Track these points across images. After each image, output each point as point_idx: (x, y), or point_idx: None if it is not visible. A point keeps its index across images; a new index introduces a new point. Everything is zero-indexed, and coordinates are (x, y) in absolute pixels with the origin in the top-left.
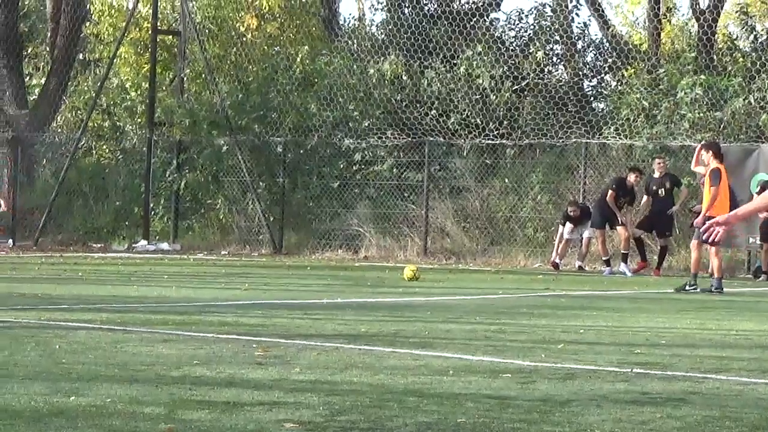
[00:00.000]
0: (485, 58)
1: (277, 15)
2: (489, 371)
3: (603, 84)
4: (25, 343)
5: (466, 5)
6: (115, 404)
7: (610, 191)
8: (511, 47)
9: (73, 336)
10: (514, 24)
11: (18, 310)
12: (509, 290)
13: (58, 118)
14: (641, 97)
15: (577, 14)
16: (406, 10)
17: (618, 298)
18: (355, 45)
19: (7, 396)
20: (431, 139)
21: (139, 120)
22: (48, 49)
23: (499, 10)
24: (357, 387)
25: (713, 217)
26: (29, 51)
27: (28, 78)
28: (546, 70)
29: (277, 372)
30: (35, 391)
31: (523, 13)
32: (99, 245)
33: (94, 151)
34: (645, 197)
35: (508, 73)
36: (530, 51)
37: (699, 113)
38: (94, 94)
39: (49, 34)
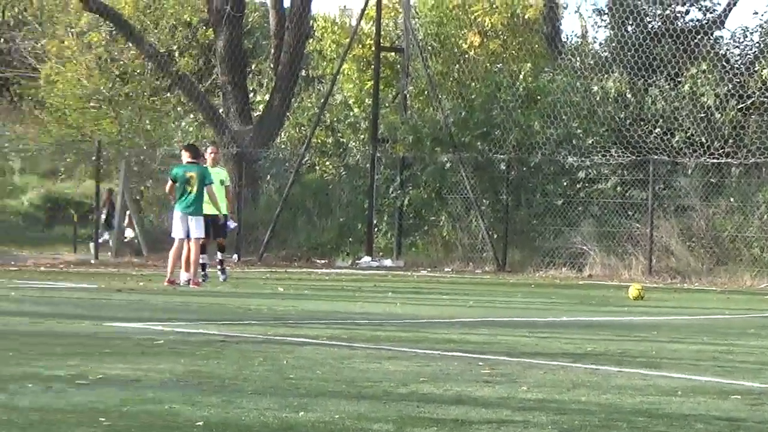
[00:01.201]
0: (710, 76)
1: (500, 32)
2: (718, 392)
3: None
4: (253, 358)
5: (690, 23)
6: (343, 420)
7: None
8: (736, 65)
9: (300, 351)
10: (738, 42)
11: (245, 325)
12: (736, 310)
13: (282, 134)
14: None
15: None
16: (629, 28)
17: None
18: (578, 62)
19: (236, 411)
20: (656, 157)
21: (362, 136)
22: (272, 65)
23: (723, 27)
24: (585, 406)
25: None
26: (253, 67)
27: (252, 94)
28: None
29: (504, 390)
30: (264, 406)
31: (748, 30)
32: (323, 261)
33: (317, 167)
34: None
35: (733, 91)
36: (756, 69)
37: None
38: (317, 111)
39: (272, 51)
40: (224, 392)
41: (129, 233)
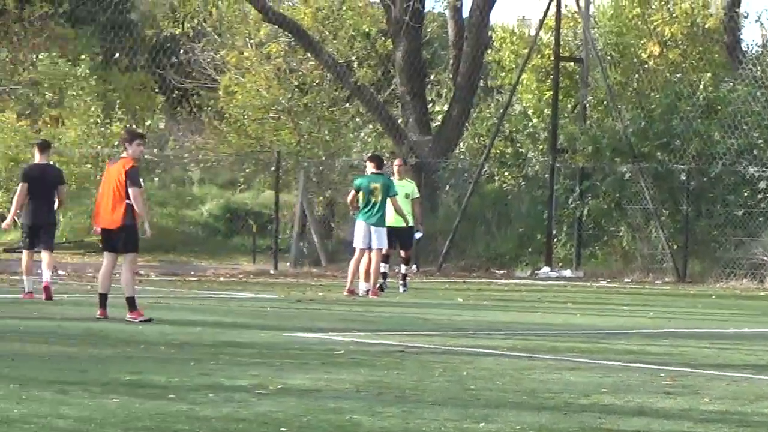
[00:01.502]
0: None
1: (680, 42)
2: None
3: None
4: (433, 368)
5: None
6: (524, 431)
7: None
8: None
9: (480, 362)
10: None
11: (425, 336)
12: None
13: (461, 144)
14: None
15: None
16: None
17: None
18: (759, 72)
19: (417, 421)
20: None
21: (541, 147)
22: (450, 75)
23: None
24: None
25: None
26: (432, 78)
27: (431, 104)
28: None
29: (685, 402)
30: (445, 417)
31: None
32: (502, 271)
33: (496, 178)
34: None
35: None
36: None
37: None
38: (496, 121)
39: (451, 61)
40: (404, 403)
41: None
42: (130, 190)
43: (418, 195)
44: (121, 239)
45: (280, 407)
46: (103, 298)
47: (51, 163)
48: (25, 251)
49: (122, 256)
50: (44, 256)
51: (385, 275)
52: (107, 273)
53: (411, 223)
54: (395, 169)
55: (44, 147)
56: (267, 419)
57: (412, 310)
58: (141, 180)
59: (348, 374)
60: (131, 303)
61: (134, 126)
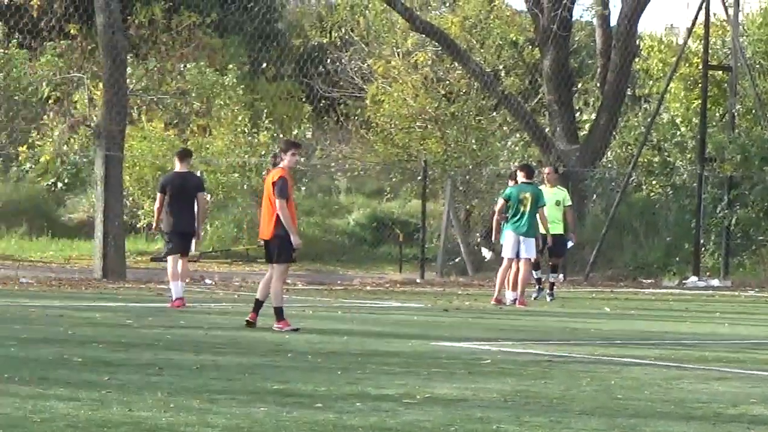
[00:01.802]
0: None
1: None
2: None
3: None
4: (580, 378)
5: None
6: None
7: None
8: None
9: (628, 372)
10: None
11: (571, 345)
12: None
13: (608, 153)
14: None
15: None
16: None
17: None
18: None
19: (564, 431)
20: None
21: (689, 156)
22: (598, 84)
23: None
24: None
25: None
26: (579, 86)
27: (578, 113)
28: None
29: None
30: (592, 427)
31: None
32: (649, 281)
33: (644, 187)
34: None
35: None
36: None
37: None
38: (644, 130)
39: (599, 70)
40: (552, 412)
41: (486, 253)
42: (276, 201)
43: (570, 203)
44: (274, 249)
45: (427, 416)
46: (258, 303)
47: (191, 171)
48: (170, 258)
49: (273, 266)
50: (183, 263)
51: (539, 280)
52: (267, 280)
53: (560, 231)
54: (545, 177)
55: (184, 155)
56: (414, 428)
57: (559, 320)
58: (288, 191)
59: (495, 384)
60: (279, 313)
61: (281, 135)
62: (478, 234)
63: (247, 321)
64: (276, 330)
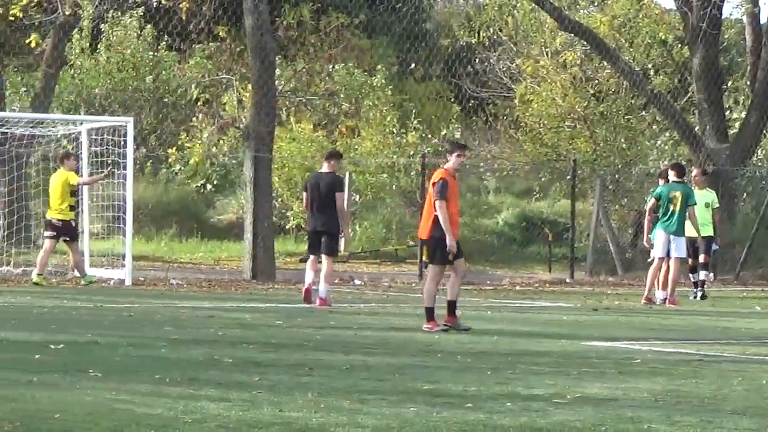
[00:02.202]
0: None
1: None
2: None
3: None
4: (731, 377)
5: None
6: None
7: None
8: None
9: None
10: None
11: (722, 345)
12: None
13: (759, 151)
14: None
15: None
16: None
17: None
18: None
19: (716, 430)
20: None
21: None
22: (748, 82)
23: None
24: None
25: None
26: (729, 84)
27: (728, 112)
28: None
29: None
30: (744, 426)
31: None
32: None
33: None
34: None
35: None
36: None
37: None
38: None
39: (749, 68)
40: (702, 412)
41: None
42: (435, 202)
43: (717, 205)
44: (430, 250)
45: (577, 416)
46: (450, 304)
47: (334, 171)
48: (310, 259)
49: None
50: (324, 263)
51: (696, 283)
52: (451, 280)
53: (709, 234)
54: (693, 179)
55: (328, 156)
56: (564, 428)
57: (709, 319)
58: (448, 193)
59: (645, 383)
60: (429, 313)
61: (430, 136)
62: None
63: (445, 325)
64: (425, 330)
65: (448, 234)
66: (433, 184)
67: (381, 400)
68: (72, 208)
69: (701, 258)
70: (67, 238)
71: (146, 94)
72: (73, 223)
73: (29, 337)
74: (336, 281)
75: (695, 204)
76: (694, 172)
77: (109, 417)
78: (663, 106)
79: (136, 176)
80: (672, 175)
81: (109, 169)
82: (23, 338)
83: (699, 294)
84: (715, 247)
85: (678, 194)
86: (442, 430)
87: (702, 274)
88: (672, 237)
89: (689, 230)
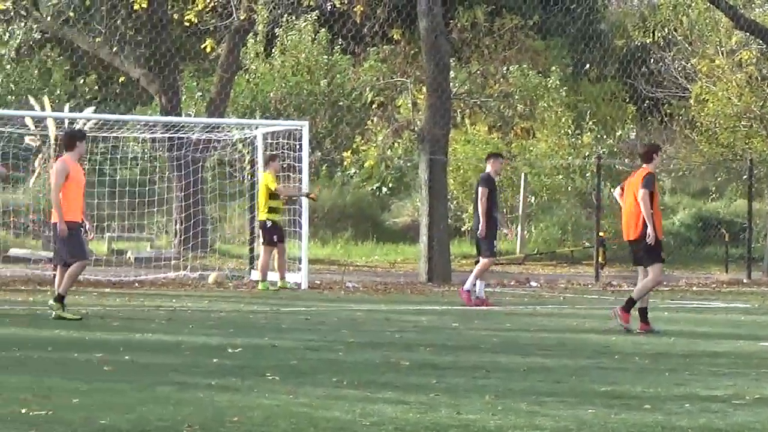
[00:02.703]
0: None
1: None
2: None
3: None
4: None
5: None
6: None
7: None
8: None
9: None
10: None
11: None
12: None
13: None
14: None
15: None
16: None
17: None
18: None
19: None
20: None
21: None
22: None
23: None
24: None
25: None
26: None
27: None
28: None
29: None
30: None
31: None
32: None
33: None
34: None
35: None
36: None
37: None
38: None
39: None
40: None
41: None
42: (639, 192)
43: None
44: (641, 251)
45: (757, 418)
46: (641, 312)
47: (488, 172)
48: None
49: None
50: (480, 263)
51: None
52: (641, 283)
53: None
54: None
55: (487, 157)
56: (744, 430)
57: None
58: (653, 187)
59: None
60: (643, 314)
61: (605, 136)
62: None
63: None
64: (638, 332)
65: (649, 223)
66: (643, 178)
67: (559, 402)
68: (272, 210)
69: None
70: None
71: (321, 97)
72: (268, 224)
73: (207, 341)
74: (512, 283)
75: None
76: None
77: (287, 420)
78: None
79: (312, 180)
80: None
81: (310, 194)
82: (201, 342)
83: None
84: None
85: None
86: (621, 431)
87: None
88: None
89: None
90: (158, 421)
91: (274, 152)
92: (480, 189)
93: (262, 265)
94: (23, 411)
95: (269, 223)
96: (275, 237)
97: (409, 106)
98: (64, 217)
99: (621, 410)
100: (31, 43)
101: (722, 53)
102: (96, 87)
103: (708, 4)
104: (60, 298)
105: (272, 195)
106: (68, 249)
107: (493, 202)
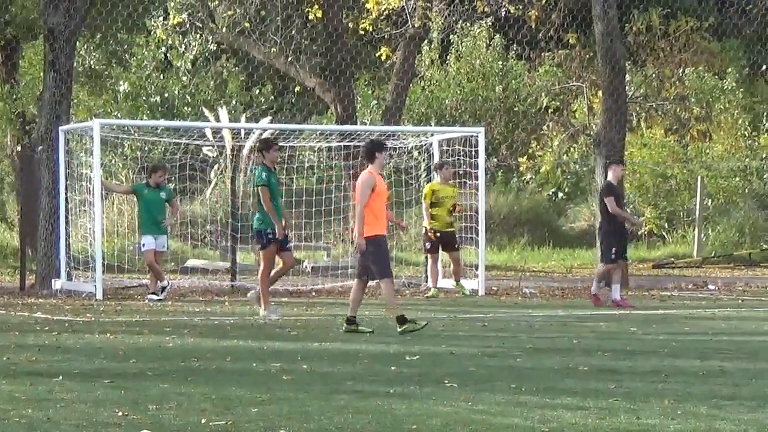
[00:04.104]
0: None
1: None
2: None
3: None
4: None
5: None
6: None
7: None
8: None
9: None
10: None
11: None
12: None
13: None
14: None
15: None
16: None
17: None
18: None
19: None
20: None
21: None
22: None
23: None
24: None
25: None
26: None
27: None
28: None
29: None
30: None
31: None
32: None
33: None
34: None
35: None
36: None
37: None
38: None
39: None
40: None
41: None
42: None
43: None
44: None
45: None
46: None
47: (609, 179)
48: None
49: None
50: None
51: None
52: None
53: None
54: None
55: (607, 165)
56: None
57: None
58: None
59: None
60: None
61: None
62: None
63: None
64: None
65: None
66: None
67: (739, 405)
68: (434, 217)
69: None
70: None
71: (496, 103)
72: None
73: (385, 349)
74: (690, 287)
75: None
76: None
77: (467, 427)
78: None
79: (488, 186)
80: None
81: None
82: (379, 350)
83: None
84: None
85: None
86: None
87: None
88: None
89: None
90: (337, 429)
91: (444, 160)
92: (605, 199)
93: (430, 272)
94: (203, 421)
95: (428, 232)
96: (428, 245)
97: (584, 111)
98: (371, 231)
99: None
100: (206, 54)
101: None
102: (272, 97)
103: None
104: (401, 320)
105: (433, 203)
106: (377, 268)
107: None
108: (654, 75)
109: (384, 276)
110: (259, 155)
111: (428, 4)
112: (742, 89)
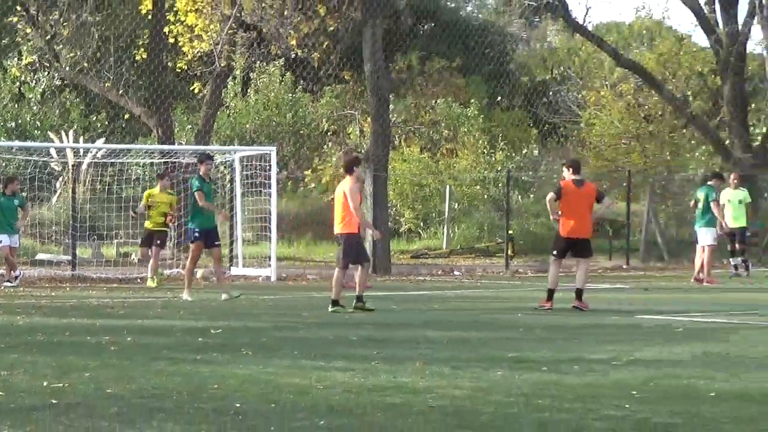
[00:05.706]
0: None
1: None
2: None
3: None
4: (756, 340)
5: None
6: None
7: None
8: None
9: None
10: None
11: (749, 315)
12: None
13: None
14: None
15: None
16: None
17: None
18: None
19: (742, 380)
20: None
21: None
22: None
23: None
24: None
25: None
26: (753, 106)
27: (752, 128)
28: None
29: None
30: (766, 377)
31: None
32: None
33: None
34: None
35: None
36: None
37: None
38: None
39: None
40: (731, 368)
41: None
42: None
43: (749, 200)
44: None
45: (631, 375)
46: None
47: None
48: None
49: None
50: None
51: (735, 267)
52: None
53: (744, 224)
54: (731, 181)
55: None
56: (621, 384)
57: (742, 295)
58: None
59: (685, 347)
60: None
61: (513, 154)
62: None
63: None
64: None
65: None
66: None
67: (475, 366)
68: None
69: (737, 245)
70: None
71: (287, 127)
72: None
73: (195, 324)
74: (439, 273)
75: (715, 200)
76: (732, 175)
77: (257, 386)
78: (700, 125)
79: (279, 193)
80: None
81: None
82: (190, 325)
83: (744, 273)
84: (748, 233)
85: (701, 194)
86: (523, 389)
87: (739, 259)
88: (698, 228)
89: (731, 221)
90: (154, 389)
91: (164, 170)
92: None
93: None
94: (45, 384)
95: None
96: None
97: (357, 133)
98: (348, 228)
99: (524, 372)
100: (53, 88)
101: (606, 86)
102: (106, 122)
103: (595, 47)
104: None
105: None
106: (344, 258)
107: None
108: (412, 104)
109: (341, 267)
110: (197, 167)
111: (232, 48)
112: (482, 116)
